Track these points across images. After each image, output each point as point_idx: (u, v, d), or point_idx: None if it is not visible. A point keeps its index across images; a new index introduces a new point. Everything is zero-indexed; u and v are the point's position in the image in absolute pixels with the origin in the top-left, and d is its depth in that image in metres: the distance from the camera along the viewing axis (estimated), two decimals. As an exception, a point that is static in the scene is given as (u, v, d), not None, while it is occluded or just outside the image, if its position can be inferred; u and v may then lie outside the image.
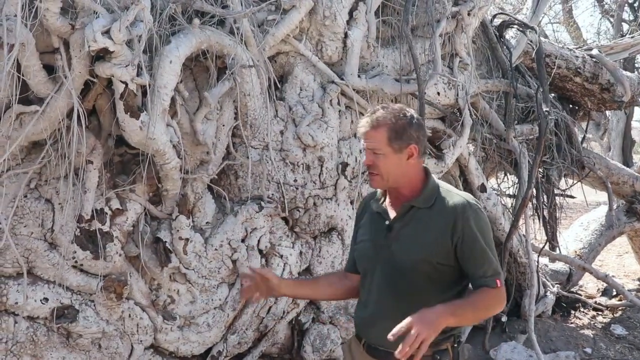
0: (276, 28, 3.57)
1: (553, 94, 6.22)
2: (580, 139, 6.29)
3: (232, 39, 3.31)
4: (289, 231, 3.85)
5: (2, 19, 2.64)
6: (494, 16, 5.47)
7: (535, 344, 4.79)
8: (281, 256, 3.78)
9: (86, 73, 2.94)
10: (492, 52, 5.13)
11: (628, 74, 6.61)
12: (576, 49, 6.39)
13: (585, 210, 8.51)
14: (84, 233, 3.18)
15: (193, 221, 3.49)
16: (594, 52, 6.22)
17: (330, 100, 3.82)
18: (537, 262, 5.57)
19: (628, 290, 6.96)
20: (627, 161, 13.37)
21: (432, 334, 2.01)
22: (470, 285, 2.33)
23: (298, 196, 3.75)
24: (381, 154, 2.23)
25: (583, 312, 6.26)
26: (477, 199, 2.33)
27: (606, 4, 15.50)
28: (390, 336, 2.00)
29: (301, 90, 3.80)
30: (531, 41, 5.34)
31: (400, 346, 1.97)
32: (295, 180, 3.74)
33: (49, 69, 2.95)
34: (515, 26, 5.40)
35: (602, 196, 7.16)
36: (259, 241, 3.66)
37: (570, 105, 6.57)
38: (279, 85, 3.78)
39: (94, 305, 3.25)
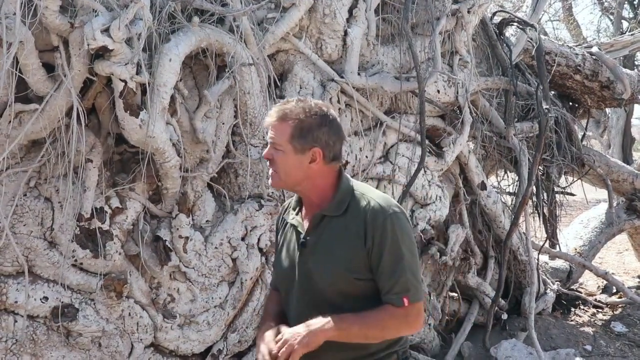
0: (276, 26, 3.57)
1: (553, 92, 6.22)
2: (580, 137, 6.30)
3: (232, 37, 3.30)
4: (289, 229, 3.84)
5: (2, 17, 2.64)
6: (494, 14, 5.46)
7: (535, 341, 4.79)
8: (281, 254, 3.77)
9: (85, 71, 2.93)
10: (492, 50, 5.13)
11: (628, 71, 6.61)
12: (576, 46, 6.39)
13: (585, 207, 8.52)
14: (84, 232, 3.17)
15: (193, 219, 3.49)
16: (594, 49, 6.22)
17: (330, 99, 3.82)
18: (537, 259, 5.58)
19: (628, 287, 6.96)
20: (627, 159, 13.39)
21: (304, 347, 1.88)
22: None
23: (298, 194, 3.74)
24: (281, 150, 2.02)
25: (583, 309, 6.27)
26: (398, 204, 2.06)
27: (606, 1, 15.50)
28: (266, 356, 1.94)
29: (301, 88, 3.79)
30: (531, 39, 5.34)
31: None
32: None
33: (48, 68, 2.95)
34: (515, 24, 5.40)
35: (602, 194, 7.17)
36: (259, 239, 3.66)
37: (570, 103, 6.58)
38: (279, 84, 3.78)
39: (94, 304, 3.24)
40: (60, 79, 2.91)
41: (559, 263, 6.81)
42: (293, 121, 2.01)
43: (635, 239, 7.93)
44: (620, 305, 6.52)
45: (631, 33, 7.36)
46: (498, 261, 5.23)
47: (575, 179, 6.33)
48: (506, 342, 4.82)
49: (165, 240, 3.38)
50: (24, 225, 3.11)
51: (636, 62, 14.49)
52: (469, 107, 4.60)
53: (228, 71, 3.35)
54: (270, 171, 2.09)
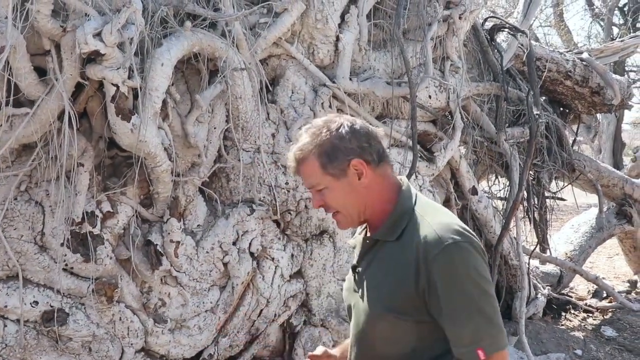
0: (268, 31, 3.57)
1: (544, 97, 6.26)
2: (570, 142, 6.33)
3: (224, 42, 3.31)
4: (281, 234, 3.85)
5: (-7, 21, 2.64)
6: (485, 20, 5.49)
7: (526, 345, 4.82)
8: (272, 259, 3.78)
9: (77, 75, 2.93)
10: (483, 56, 5.15)
11: (618, 77, 6.66)
12: (567, 52, 6.44)
13: (575, 212, 8.55)
14: (75, 236, 3.16)
15: (184, 224, 3.49)
16: (584, 55, 6.27)
17: (322, 103, 3.83)
18: (528, 264, 5.60)
19: (618, 292, 7.01)
20: (617, 164, 13.47)
21: None
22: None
23: (289, 199, 3.75)
24: (323, 187, 1.76)
25: (574, 314, 6.30)
26: (466, 229, 1.66)
27: (597, 8, 15.59)
28: None
29: (293, 93, 3.80)
30: (522, 45, 5.37)
31: None
32: (286, 183, 3.74)
33: (40, 71, 2.94)
34: (507, 30, 5.43)
35: (593, 198, 7.21)
36: (250, 244, 3.66)
37: (561, 109, 6.62)
38: (271, 88, 3.78)
39: (85, 308, 3.23)
40: (52, 83, 2.91)
41: (550, 267, 6.85)
42: (313, 153, 1.74)
43: (625, 244, 7.98)
44: (610, 310, 6.56)
45: (621, 39, 7.41)
46: (489, 266, 5.24)
47: (565, 184, 6.37)
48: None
49: (157, 244, 3.38)
50: (15, 230, 3.10)
51: (626, 68, 14.60)
52: (460, 113, 4.62)
53: (220, 76, 3.36)
54: (334, 218, 1.82)
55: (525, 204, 5.63)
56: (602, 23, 15.43)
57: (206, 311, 3.60)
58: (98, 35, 2.75)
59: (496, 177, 5.79)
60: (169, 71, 3.08)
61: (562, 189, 6.36)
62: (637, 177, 12.73)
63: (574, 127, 7.22)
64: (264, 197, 3.69)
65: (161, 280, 3.45)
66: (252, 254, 3.68)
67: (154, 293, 3.46)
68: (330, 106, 3.90)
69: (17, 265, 3.07)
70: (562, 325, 5.91)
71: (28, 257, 3.12)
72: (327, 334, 4.05)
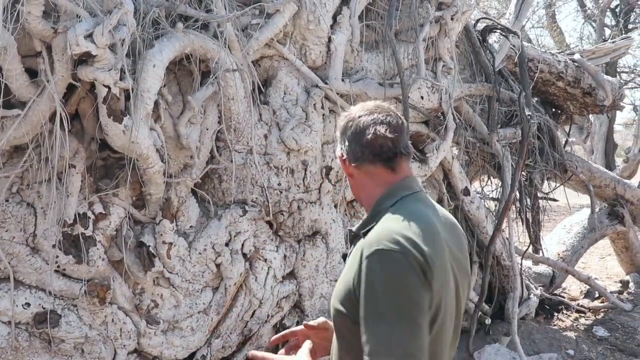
0: (260, 32, 3.58)
1: (536, 98, 6.29)
2: (562, 143, 6.36)
3: (216, 43, 3.31)
4: (273, 235, 3.85)
5: (-16, 22, 2.63)
6: (477, 21, 5.51)
7: (518, 346, 4.83)
8: (265, 260, 3.78)
9: (69, 77, 2.92)
10: (475, 57, 5.17)
11: (609, 78, 6.69)
12: (559, 53, 6.46)
13: (568, 213, 8.58)
14: (67, 237, 3.16)
15: (177, 225, 3.49)
16: (576, 56, 6.29)
17: (314, 104, 3.84)
18: (521, 264, 5.62)
19: (610, 292, 7.03)
20: (609, 164, 13.53)
21: None
22: None
23: (282, 200, 3.76)
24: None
25: (566, 314, 6.32)
26: (409, 239, 1.58)
27: (589, 9, 15.67)
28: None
29: (285, 94, 3.81)
30: (514, 46, 5.38)
31: None
32: (279, 184, 3.74)
33: (31, 73, 2.94)
34: (498, 31, 5.45)
35: (585, 199, 7.23)
36: (242, 245, 3.66)
37: (553, 109, 6.64)
38: (263, 89, 3.79)
39: (77, 310, 3.23)
40: (43, 85, 2.90)
41: (542, 268, 6.87)
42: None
43: (617, 244, 8.01)
44: (602, 310, 6.58)
45: (613, 40, 7.44)
46: (481, 266, 5.26)
47: (558, 185, 6.39)
48: (489, 347, 4.85)
49: (149, 245, 3.38)
50: (6, 231, 3.10)
51: (618, 69, 14.67)
52: (452, 113, 4.63)
53: (212, 77, 3.36)
54: None
55: (518, 204, 5.64)
56: (594, 24, 15.51)
57: (199, 312, 3.60)
58: (89, 36, 2.75)
59: (488, 178, 5.80)
60: (160, 72, 3.08)
61: (554, 189, 6.38)
62: (629, 177, 12.80)
63: (566, 128, 7.24)
64: (256, 198, 3.70)
65: (154, 281, 3.45)
66: (244, 255, 3.68)
67: (147, 294, 3.45)
68: (322, 107, 3.91)
69: (9, 267, 3.07)
70: (554, 325, 5.93)
71: (20, 259, 3.11)
72: (320, 334, 4.04)
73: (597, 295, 7.02)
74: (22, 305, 3.10)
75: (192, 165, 3.49)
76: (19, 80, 2.86)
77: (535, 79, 5.75)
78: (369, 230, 1.71)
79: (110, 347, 3.34)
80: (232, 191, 3.64)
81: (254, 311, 3.80)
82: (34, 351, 3.16)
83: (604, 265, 9.27)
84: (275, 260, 3.82)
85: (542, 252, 6.45)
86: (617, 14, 14.89)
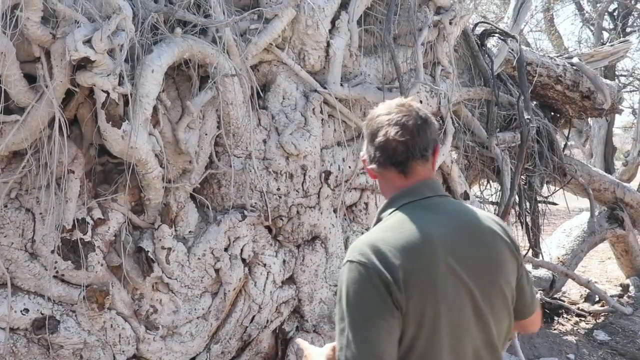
0: (259, 37, 3.58)
1: (534, 102, 6.30)
2: (562, 146, 6.36)
3: (215, 48, 3.31)
4: (272, 240, 3.84)
5: (-18, 28, 2.63)
6: (476, 25, 5.51)
7: (518, 350, 4.82)
8: (264, 265, 3.78)
9: (67, 82, 2.92)
10: (474, 61, 5.17)
11: (608, 81, 6.70)
12: (557, 57, 6.47)
13: (567, 216, 8.58)
14: (65, 243, 3.15)
15: (176, 230, 3.48)
16: (575, 60, 6.31)
17: (313, 109, 3.83)
18: (520, 268, 5.60)
19: (610, 296, 7.03)
20: (608, 168, 13.54)
21: None
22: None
23: (281, 205, 3.75)
24: None
25: (566, 318, 6.32)
26: (375, 249, 1.65)
27: (587, 13, 15.70)
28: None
29: (284, 99, 3.80)
30: (512, 49, 5.39)
31: None
32: (278, 189, 3.74)
33: (30, 78, 2.93)
34: (497, 35, 5.46)
35: (584, 203, 7.24)
36: (242, 250, 3.66)
37: (552, 113, 6.66)
38: (262, 94, 3.79)
39: (76, 315, 3.22)
40: (42, 90, 2.90)
41: (542, 272, 6.86)
42: None
43: (617, 248, 8.01)
44: (602, 314, 6.58)
45: (611, 44, 7.45)
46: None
47: (557, 189, 6.40)
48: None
49: (148, 251, 3.37)
50: (5, 237, 3.09)
51: (617, 73, 14.69)
52: (451, 118, 4.63)
53: (211, 82, 3.36)
54: None
55: (517, 208, 5.65)
56: (592, 28, 15.53)
57: (198, 318, 3.59)
58: (88, 42, 2.74)
59: (488, 182, 5.81)
60: (159, 77, 3.08)
61: (553, 193, 6.39)
62: (629, 181, 12.81)
63: (565, 132, 7.26)
64: (255, 203, 3.69)
65: (153, 286, 3.44)
66: (243, 260, 3.68)
67: (146, 300, 3.45)
68: (321, 112, 3.90)
69: (6, 273, 3.06)
70: (554, 329, 5.92)
71: (18, 265, 3.10)
72: (319, 340, 4.04)
73: (597, 299, 7.02)
74: (21, 311, 3.09)
75: (191, 170, 3.49)
76: (17, 85, 2.86)
77: (534, 82, 5.76)
78: None
79: (109, 353, 3.33)
80: (231, 196, 3.64)
81: (253, 316, 3.79)
82: (33, 357, 3.15)
83: (604, 268, 9.27)
84: (275, 265, 3.82)
85: (542, 256, 6.45)
86: (615, 17, 14.92)
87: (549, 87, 6.05)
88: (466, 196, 5.00)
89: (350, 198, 4.16)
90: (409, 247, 1.64)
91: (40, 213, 3.13)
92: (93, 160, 3.29)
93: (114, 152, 3.10)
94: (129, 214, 3.37)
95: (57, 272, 3.16)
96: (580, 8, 15.85)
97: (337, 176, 3.98)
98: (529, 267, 6.70)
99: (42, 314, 3.14)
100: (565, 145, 6.85)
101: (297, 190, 3.80)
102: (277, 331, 4.01)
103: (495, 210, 5.53)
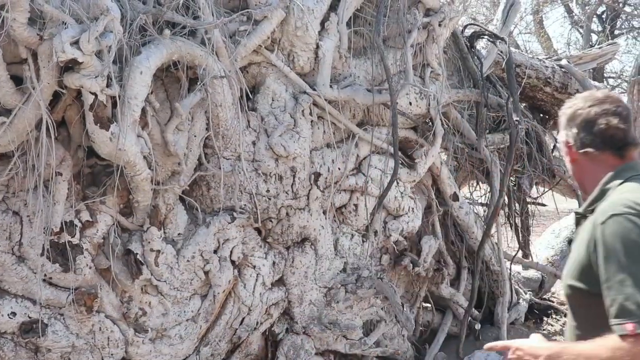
0: (248, 39, 3.57)
1: (524, 104, 6.32)
2: (551, 148, 6.38)
3: (204, 50, 3.30)
4: (262, 242, 3.84)
5: (-32, 29, 2.61)
6: (465, 27, 5.52)
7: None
8: (254, 267, 3.77)
9: (55, 84, 2.91)
10: (463, 62, 5.18)
11: (596, 84, 6.75)
12: (546, 59, 6.50)
13: (556, 217, 8.61)
14: (54, 246, 3.13)
15: (165, 232, 3.47)
16: (563, 62, 6.34)
17: (302, 111, 3.83)
18: (510, 269, 5.63)
19: (599, 296, 7.04)
20: (597, 169, 13.55)
21: None
22: None
23: (270, 206, 3.75)
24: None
25: (555, 318, 6.33)
26: (636, 204, 1.70)
27: (576, 15, 15.78)
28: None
29: (273, 100, 3.80)
30: (501, 51, 5.40)
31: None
32: (267, 191, 3.73)
33: (17, 80, 2.92)
34: (486, 37, 5.47)
35: (573, 204, 7.26)
36: (231, 252, 3.65)
37: (541, 115, 6.68)
38: (251, 96, 3.78)
39: (64, 318, 3.20)
40: (29, 92, 2.88)
41: (532, 273, 6.88)
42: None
43: (605, 249, 8.02)
44: (591, 314, 6.59)
45: (599, 46, 7.50)
46: (471, 272, 5.27)
47: (546, 190, 6.41)
48: (479, 352, 4.84)
49: (137, 253, 3.35)
50: (-8, 240, 3.07)
51: (605, 75, 14.77)
52: (440, 119, 4.64)
53: (200, 84, 3.35)
54: None
55: (507, 209, 5.66)
56: (581, 30, 15.63)
57: (187, 320, 3.58)
58: (76, 43, 2.73)
59: (477, 183, 5.81)
60: (148, 79, 3.06)
61: (542, 194, 6.40)
62: (617, 182, 12.78)
63: (554, 133, 7.28)
64: (244, 205, 3.68)
65: (141, 289, 3.43)
66: (233, 262, 3.67)
67: (135, 302, 3.43)
68: (310, 113, 3.90)
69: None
70: (544, 330, 5.94)
71: (6, 268, 3.08)
72: (309, 341, 4.04)
73: (585, 299, 7.04)
74: (8, 315, 3.07)
75: (180, 172, 3.47)
76: (4, 87, 2.84)
77: (523, 84, 5.78)
78: (595, 209, 1.82)
79: (97, 356, 3.31)
80: (220, 198, 3.63)
81: (243, 318, 3.78)
82: (20, 361, 3.13)
83: (592, 269, 9.29)
84: (264, 267, 3.81)
85: (531, 257, 6.48)
86: (604, 20, 15.02)
87: (537, 88, 6.07)
88: (455, 197, 5.01)
89: (339, 200, 4.16)
90: None
91: (28, 216, 3.11)
92: (81, 163, 3.27)
93: (102, 154, 3.08)
94: (118, 216, 3.35)
95: (45, 275, 3.14)
96: (569, 10, 15.94)
97: (326, 178, 3.98)
98: (518, 268, 6.72)
99: (30, 317, 3.12)
100: (554, 146, 6.87)
101: (286, 192, 3.79)
102: (267, 333, 4.00)
103: (484, 211, 5.54)
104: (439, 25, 4.46)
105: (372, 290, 4.16)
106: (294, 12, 3.69)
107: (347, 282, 4.15)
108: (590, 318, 1.77)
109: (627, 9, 14.82)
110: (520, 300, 5.95)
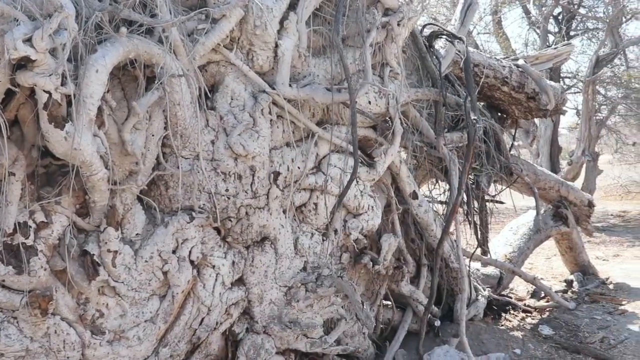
0: (206, 37, 3.55)
1: (482, 103, 6.41)
2: (508, 146, 6.49)
3: (161, 48, 3.27)
4: (221, 241, 3.82)
5: None
6: (424, 27, 5.57)
7: (467, 347, 4.90)
8: (213, 267, 3.75)
9: (7, 82, 2.84)
10: (422, 62, 5.23)
11: (552, 83, 6.87)
12: (503, 59, 6.60)
13: (514, 215, 8.76)
14: (7, 248, 3.07)
15: (122, 233, 3.43)
16: (520, 62, 6.45)
17: (262, 110, 3.82)
18: (469, 266, 5.71)
19: (555, 291, 7.22)
20: (554, 167, 13.88)
21: None
22: None
23: (230, 206, 3.73)
24: None
25: (513, 314, 6.45)
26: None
27: (533, 16, 16.06)
28: None
29: (232, 99, 3.78)
30: (459, 51, 5.47)
31: None
32: (226, 190, 3.71)
33: (-33, 78, 2.85)
34: (444, 36, 5.53)
35: (530, 201, 7.40)
36: (190, 252, 3.62)
37: (499, 114, 6.78)
38: (210, 95, 3.75)
39: (17, 322, 3.14)
40: (-20, 90, 2.82)
41: (490, 270, 7.00)
42: None
43: (561, 245, 8.23)
44: (547, 309, 6.75)
45: (555, 47, 7.65)
46: (430, 269, 5.33)
47: (504, 188, 6.52)
48: (439, 348, 4.90)
49: (93, 254, 3.31)
50: (-58, 242, 2.99)
51: (562, 75, 15.07)
52: (399, 118, 4.67)
53: (157, 82, 3.32)
54: None
55: (465, 207, 5.73)
56: (538, 31, 15.91)
57: (146, 321, 3.54)
58: (28, 40, 2.68)
59: (436, 182, 5.87)
60: (104, 78, 3.02)
61: (500, 192, 6.50)
62: (573, 179, 13.14)
63: (512, 132, 7.41)
64: (203, 204, 3.66)
65: (98, 290, 3.38)
66: (192, 262, 3.64)
67: (91, 304, 3.38)
68: (270, 112, 3.89)
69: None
70: (502, 325, 6.04)
71: (-44, 270, 3.01)
72: (269, 341, 4.03)
73: (542, 295, 7.19)
74: (-41, 318, 3.00)
75: (138, 172, 3.44)
76: (-46, 85, 2.77)
77: (480, 83, 5.86)
78: None
79: None
80: (178, 198, 3.60)
81: (203, 319, 3.76)
82: (-27, 365, 3.06)
83: (549, 265, 9.51)
84: (224, 267, 3.79)
85: (490, 254, 6.57)
86: (560, 21, 15.31)
87: (495, 88, 6.16)
88: (415, 196, 5.06)
89: (299, 199, 4.16)
90: None
91: (-20, 217, 3.04)
92: (35, 162, 3.21)
93: (57, 154, 3.03)
94: (74, 216, 3.30)
95: (-3, 277, 3.07)
96: (527, 11, 16.20)
97: (286, 177, 3.98)
98: (477, 265, 6.82)
99: (-18, 320, 3.05)
100: (512, 145, 6.99)
101: (245, 191, 3.78)
102: (227, 333, 3.98)
103: (443, 209, 5.61)
104: (398, 24, 4.49)
105: (332, 288, 4.17)
106: (252, 10, 3.68)
107: (307, 280, 4.15)
108: None
109: (582, 10, 15.13)
110: (479, 297, 6.04)
